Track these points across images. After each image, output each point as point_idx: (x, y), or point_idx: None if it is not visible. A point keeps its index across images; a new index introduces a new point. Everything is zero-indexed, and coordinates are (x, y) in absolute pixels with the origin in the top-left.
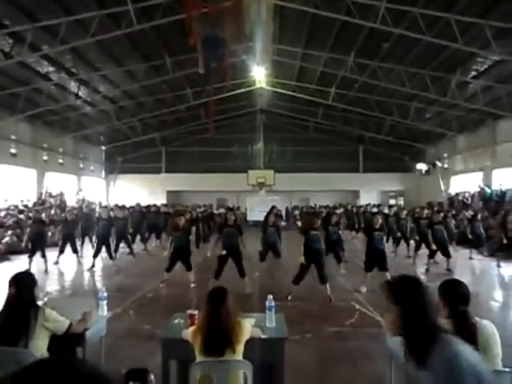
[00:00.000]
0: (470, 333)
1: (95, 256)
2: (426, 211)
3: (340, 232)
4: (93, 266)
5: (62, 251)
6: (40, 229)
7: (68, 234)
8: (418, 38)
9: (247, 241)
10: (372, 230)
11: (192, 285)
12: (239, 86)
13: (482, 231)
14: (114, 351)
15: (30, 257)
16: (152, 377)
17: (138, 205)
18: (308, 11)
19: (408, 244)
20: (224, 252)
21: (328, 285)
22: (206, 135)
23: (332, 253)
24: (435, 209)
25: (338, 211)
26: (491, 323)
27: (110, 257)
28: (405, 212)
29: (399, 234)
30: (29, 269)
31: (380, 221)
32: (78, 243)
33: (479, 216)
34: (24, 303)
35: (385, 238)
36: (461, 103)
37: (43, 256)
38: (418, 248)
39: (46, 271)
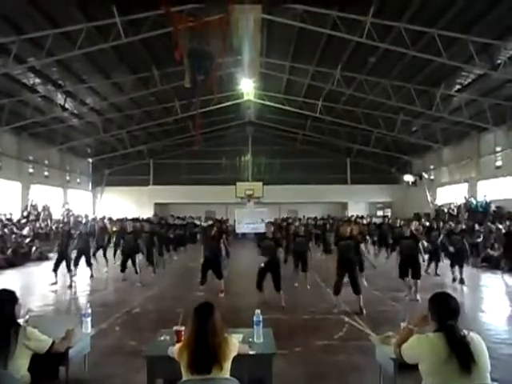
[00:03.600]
0: (463, 346)
1: (123, 270)
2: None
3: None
4: (124, 279)
5: (77, 264)
6: (66, 242)
7: (83, 248)
8: (403, 53)
9: (236, 252)
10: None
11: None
12: (227, 98)
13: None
14: (98, 369)
15: (55, 270)
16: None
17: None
18: (295, 25)
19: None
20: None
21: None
22: (194, 147)
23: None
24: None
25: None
26: (479, 336)
27: (136, 271)
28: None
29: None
30: (55, 282)
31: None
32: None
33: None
34: (4, 322)
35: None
36: (446, 116)
37: (71, 267)
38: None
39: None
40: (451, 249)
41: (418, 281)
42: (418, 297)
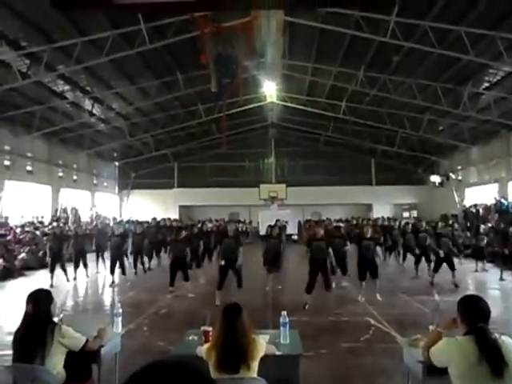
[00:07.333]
0: (495, 350)
1: (112, 272)
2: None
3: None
4: (113, 282)
5: (76, 266)
6: (58, 245)
7: (80, 249)
8: (429, 51)
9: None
10: (362, 240)
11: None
12: (250, 101)
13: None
14: (129, 368)
15: (51, 272)
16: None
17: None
18: (317, 26)
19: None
20: (223, 262)
21: None
22: (217, 150)
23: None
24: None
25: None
26: (510, 339)
27: (123, 272)
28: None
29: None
30: (51, 284)
31: (370, 231)
32: (93, 258)
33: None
34: (41, 320)
35: (377, 247)
36: (473, 115)
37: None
38: (417, 261)
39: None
40: (441, 253)
41: (377, 280)
42: (378, 296)
